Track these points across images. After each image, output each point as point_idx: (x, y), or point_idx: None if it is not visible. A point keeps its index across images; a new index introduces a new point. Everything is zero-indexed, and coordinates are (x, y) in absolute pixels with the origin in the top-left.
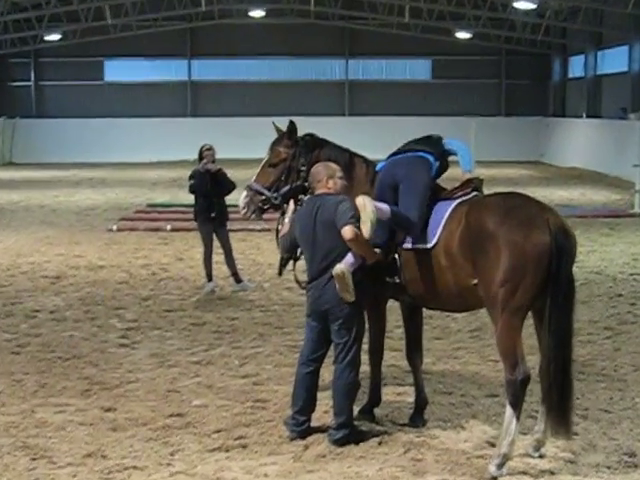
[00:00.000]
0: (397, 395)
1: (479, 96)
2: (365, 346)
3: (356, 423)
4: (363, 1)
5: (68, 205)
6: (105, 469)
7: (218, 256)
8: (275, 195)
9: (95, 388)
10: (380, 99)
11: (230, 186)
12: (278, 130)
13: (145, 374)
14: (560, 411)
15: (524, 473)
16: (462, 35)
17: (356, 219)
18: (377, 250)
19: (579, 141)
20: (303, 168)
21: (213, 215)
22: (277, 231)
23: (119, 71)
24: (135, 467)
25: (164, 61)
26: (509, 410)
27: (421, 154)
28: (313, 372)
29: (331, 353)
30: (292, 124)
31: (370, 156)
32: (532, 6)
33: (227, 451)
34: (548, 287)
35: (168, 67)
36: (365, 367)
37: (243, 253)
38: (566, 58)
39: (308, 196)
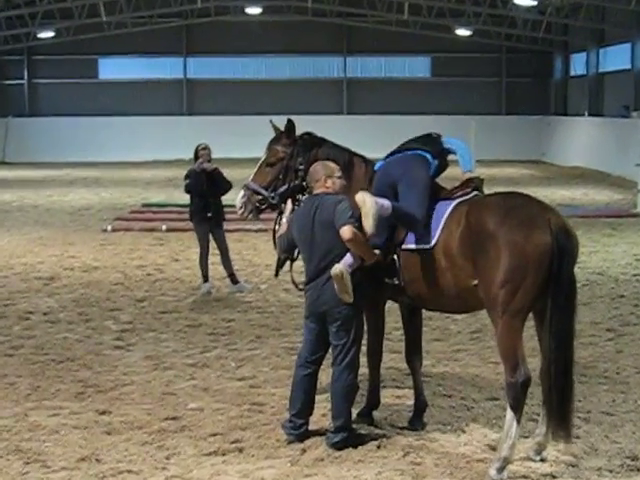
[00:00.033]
0: (396, 398)
1: (479, 94)
2: (364, 348)
3: (355, 426)
4: None
5: (62, 205)
6: (99, 473)
7: (214, 257)
8: (273, 195)
9: (89, 391)
10: (379, 97)
11: (226, 186)
12: (276, 129)
13: (140, 377)
14: (561, 414)
15: (525, 477)
16: (462, 32)
17: (355, 219)
18: (376, 251)
19: (581, 140)
20: (301, 167)
21: (209, 215)
22: (274, 231)
23: (114, 69)
24: (130, 471)
25: (159, 59)
26: (510, 413)
27: (418, 152)
28: (311, 374)
29: (329, 355)
30: (290, 123)
31: (369, 155)
32: (533, 3)
33: (223, 455)
34: (549, 288)
35: (163, 65)
36: (364, 369)
37: (240, 254)
38: (568, 55)
39: (306, 196)
